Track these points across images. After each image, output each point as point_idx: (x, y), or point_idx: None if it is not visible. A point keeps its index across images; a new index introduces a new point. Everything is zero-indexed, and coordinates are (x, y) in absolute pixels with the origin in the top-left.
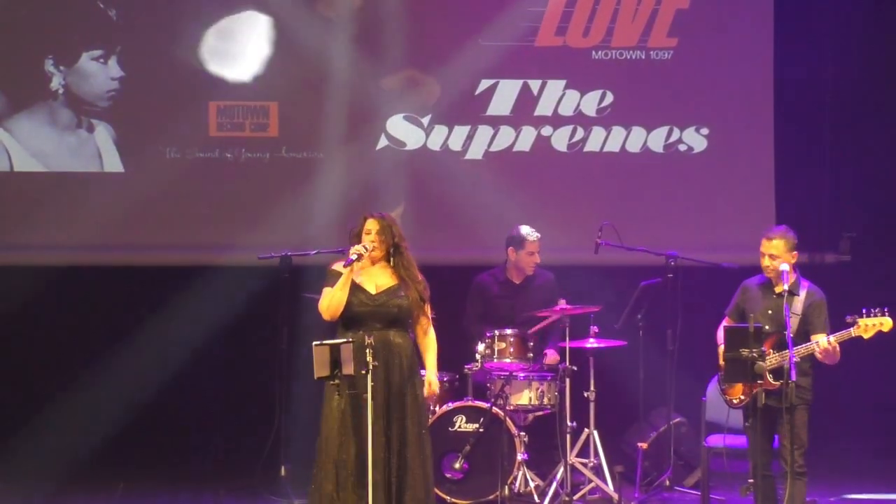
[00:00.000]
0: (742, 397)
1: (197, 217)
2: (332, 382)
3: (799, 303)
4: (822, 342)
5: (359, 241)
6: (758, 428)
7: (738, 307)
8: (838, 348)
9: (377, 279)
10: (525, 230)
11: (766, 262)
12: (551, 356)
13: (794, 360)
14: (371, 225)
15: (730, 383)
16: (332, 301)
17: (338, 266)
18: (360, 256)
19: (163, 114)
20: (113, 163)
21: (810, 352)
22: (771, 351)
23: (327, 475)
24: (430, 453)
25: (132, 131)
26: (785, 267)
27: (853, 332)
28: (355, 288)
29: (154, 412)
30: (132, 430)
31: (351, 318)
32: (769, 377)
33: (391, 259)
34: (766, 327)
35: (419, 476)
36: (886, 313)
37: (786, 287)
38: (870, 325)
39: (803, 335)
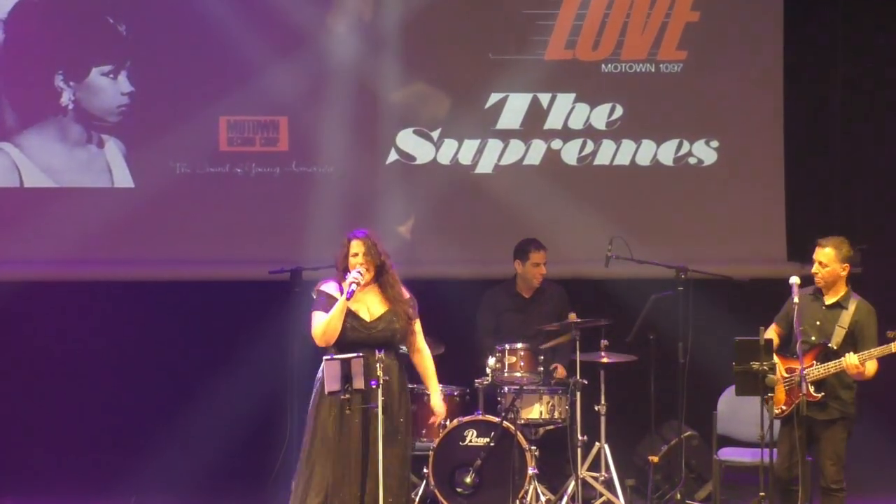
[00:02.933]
0: (784, 407)
1: (207, 231)
2: (343, 397)
3: (847, 316)
4: (849, 359)
5: (345, 265)
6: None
7: (788, 314)
8: (865, 366)
9: (370, 304)
10: (530, 243)
11: (815, 268)
12: (560, 371)
13: (823, 374)
14: (357, 247)
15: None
16: (327, 329)
17: (326, 287)
18: (359, 285)
19: (173, 129)
20: (123, 178)
21: (840, 369)
22: (814, 362)
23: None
24: (408, 475)
25: (142, 146)
26: (794, 280)
27: (893, 347)
28: (349, 314)
29: (164, 426)
30: (142, 443)
31: (344, 344)
32: (811, 389)
33: (378, 279)
34: (813, 338)
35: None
36: None
37: (795, 301)
38: None
39: (851, 349)
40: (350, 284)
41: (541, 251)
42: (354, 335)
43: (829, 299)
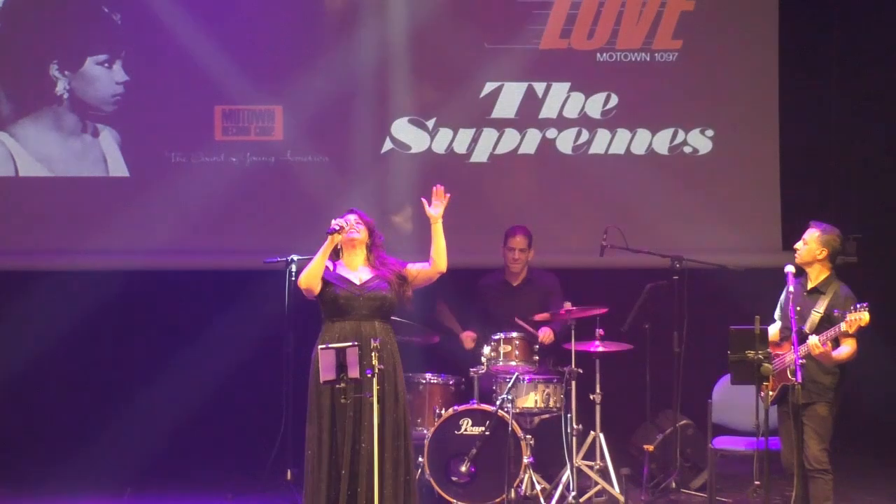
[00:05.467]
0: (771, 393)
1: (202, 221)
2: (338, 386)
3: (824, 301)
4: (811, 340)
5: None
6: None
7: (781, 306)
8: (828, 347)
9: (360, 271)
10: (510, 228)
11: (798, 244)
12: (544, 333)
13: (800, 360)
14: (352, 216)
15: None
16: (309, 271)
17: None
18: (340, 228)
19: (168, 118)
20: (118, 167)
21: (807, 352)
22: (791, 348)
23: (317, 494)
24: (410, 451)
25: (137, 136)
26: (789, 269)
27: (843, 325)
28: (340, 279)
29: (159, 416)
30: (137, 434)
31: (336, 309)
32: (789, 373)
33: (369, 254)
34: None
35: (390, 477)
36: (866, 309)
37: (790, 289)
38: (852, 321)
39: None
40: (334, 224)
41: (517, 236)
42: (347, 299)
43: (810, 284)
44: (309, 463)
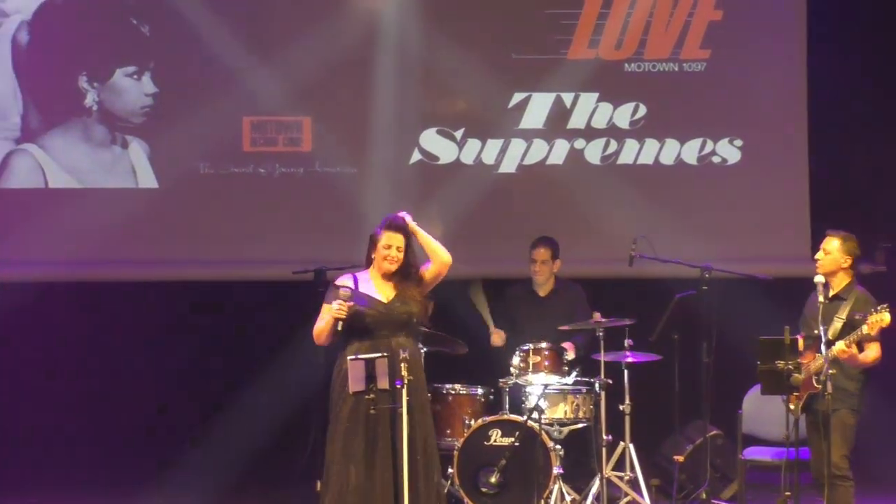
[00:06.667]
0: (792, 406)
1: (231, 232)
2: (367, 397)
3: (846, 307)
4: (835, 347)
5: (373, 249)
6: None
7: (804, 315)
8: (853, 349)
9: (382, 287)
10: (534, 241)
11: (818, 255)
12: (570, 349)
13: (820, 367)
14: (395, 240)
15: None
16: (319, 333)
17: (342, 281)
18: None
19: (196, 129)
20: (147, 179)
21: (833, 357)
22: (815, 355)
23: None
24: (437, 465)
25: (166, 147)
26: (819, 279)
27: (863, 330)
28: (367, 299)
29: (188, 426)
30: (167, 444)
31: (363, 329)
32: (814, 380)
33: (398, 277)
34: (816, 332)
35: (423, 493)
36: (886, 309)
37: (820, 298)
38: (873, 323)
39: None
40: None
41: (540, 248)
42: (374, 317)
43: (832, 292)
44: (333, 477)
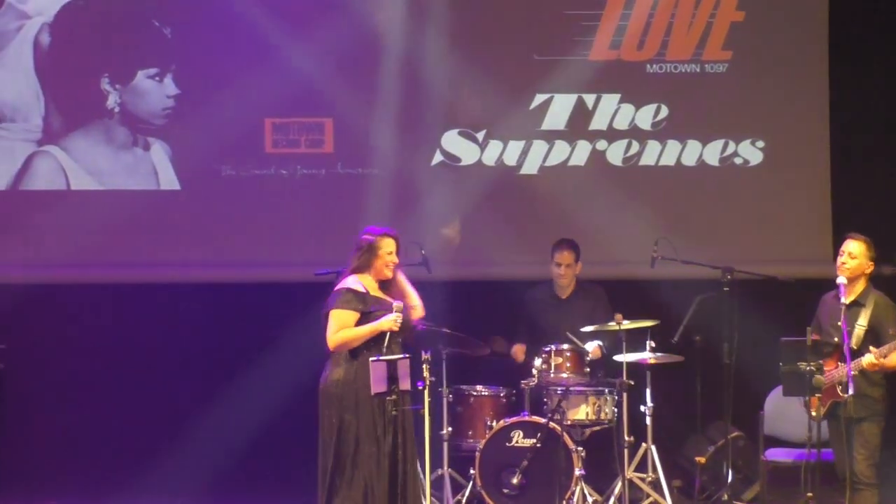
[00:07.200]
0: (822, 408)
1: (253, 233)
2: (389, 398)
3: (866, 314)
4: (866, 359)
5: (374, 255)
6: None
7: (818, 319)
8: (889, 360)
9: (380, 295)
10: (556, 243)
11: (844, 258)
12: (592, 349)
13: (853, 373)
14: (393, 245)
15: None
16: (347, 342)
17: (352, 284)
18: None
19: (218, 131)
20: (169, 180)
21: (860, 368)
22: (838, 364)
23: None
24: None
25: (188, 149)
26: (842, 280)
27: None
28: (376, 300)
29: (204, 433)
30: (186, 452)
31: (380, 336)
32: (838, 389)
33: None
34: (836, 339)
35: (415, 486)
36: None
37: (843, 300)
38: None
39: (873, 345)
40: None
41: (564, 252)
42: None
43: (848, 298)
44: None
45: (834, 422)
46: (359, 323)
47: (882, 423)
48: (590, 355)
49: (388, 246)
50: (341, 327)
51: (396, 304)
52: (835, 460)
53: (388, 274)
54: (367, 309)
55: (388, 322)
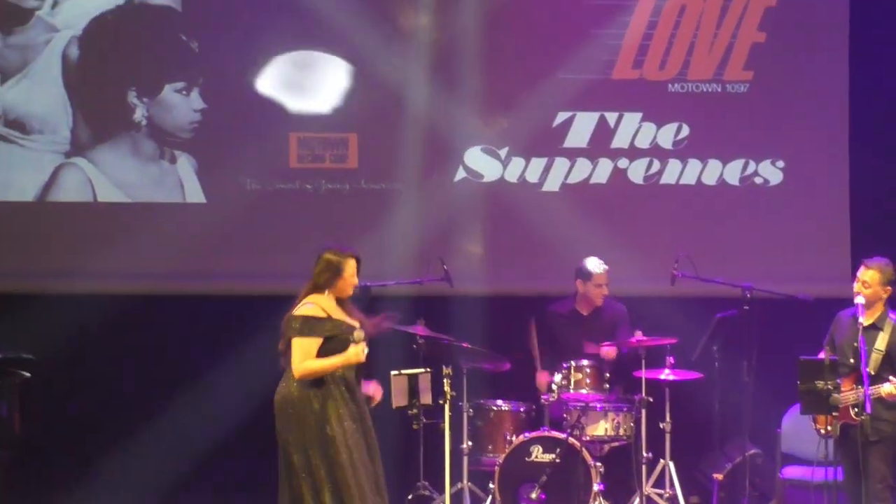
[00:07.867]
0: (828, 428)
1: (277, 247)
2: (410, 412)
3: (883, 338)
4: (885, 389)
5: (338, 275)
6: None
7: (832, 338)
8: None
9: (342, 314)
10: (592, 263)
11: (857, 287)
12: (606, 350)
13: (871, 396)
14: (355, 267)
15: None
16: (317, 374)
17: (313, 311)
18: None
19: (244, 145)
20: (195, 193)
21: (877, 395)
22: (853, 386)
23: None
24: None
25: (214, 162)
26: (860, 300)
27: None
28: (341, 323)
29: (227, 444)
30: (207, 465)
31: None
32: (852, 412)
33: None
34: (851, 360)
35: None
36: None
37: (861, 321)
38: None
39: (889, 371)
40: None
41: (603, 272)
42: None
43: (866, 320)
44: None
45: (846, 445)
46: (322, 347)
47: (894, 446)
48: (603, 353)
49: (351, 268)
50: (306, 356)
51: (357, 333)
52: (845, 481)
53: (350, 293)
54: (331, 334)
55: (357, 355)
